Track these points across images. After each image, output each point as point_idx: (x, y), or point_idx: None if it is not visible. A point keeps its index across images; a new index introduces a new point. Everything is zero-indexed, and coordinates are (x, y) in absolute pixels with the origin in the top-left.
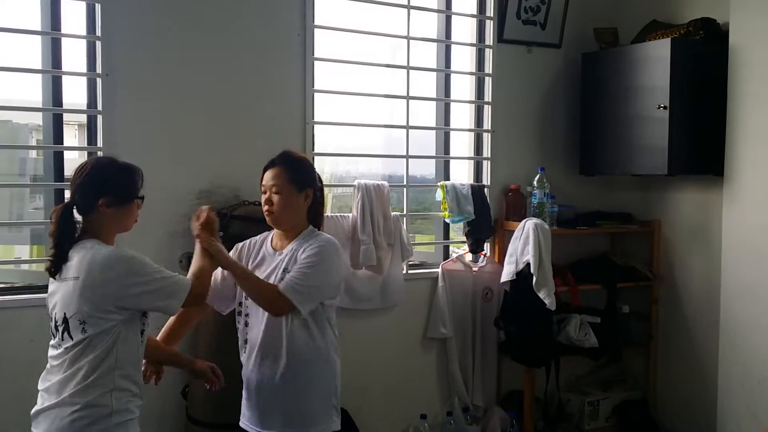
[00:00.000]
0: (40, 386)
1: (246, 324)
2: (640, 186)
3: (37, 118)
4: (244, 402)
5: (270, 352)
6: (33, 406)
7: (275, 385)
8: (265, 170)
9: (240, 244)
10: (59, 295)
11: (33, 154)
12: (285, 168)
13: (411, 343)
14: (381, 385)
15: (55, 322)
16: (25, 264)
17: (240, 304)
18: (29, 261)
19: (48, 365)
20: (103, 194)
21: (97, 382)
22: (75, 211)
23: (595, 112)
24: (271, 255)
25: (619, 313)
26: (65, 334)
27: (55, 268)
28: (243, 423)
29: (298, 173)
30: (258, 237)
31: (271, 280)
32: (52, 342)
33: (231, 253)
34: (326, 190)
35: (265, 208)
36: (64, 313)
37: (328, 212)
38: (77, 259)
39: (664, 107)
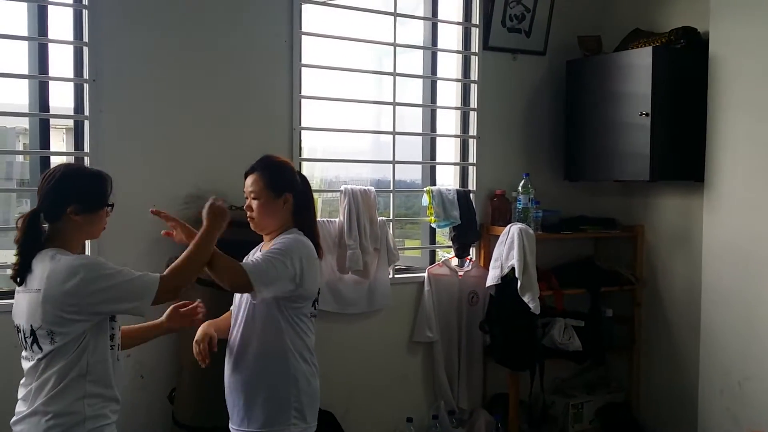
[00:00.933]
0: (18, 395)
1: (235, 318)
2: (623, 191)
3: (23, 122)
4: None
5: (234, 351)
6: (13, 414)
7: (233, 385)
8: (245, 176)
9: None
10: (24, 305)
11: (20, 158)
12: (262, 173)
13: (397, 346)
14: (367, 389)
15: (23, 333)
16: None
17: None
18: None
19: (24, 376)
20: (72, 202)
21: (68, 390)
22: (42, 217)
23: (578, 119)
24: (256, 254)
25: (602, 317)
26: (34, 345)
27: (21, 276)
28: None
29: (275, 178)
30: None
31: None
32: (23, 353)
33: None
34: (316, 195)
35: (248, 214)
36: (31, 325)
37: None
38: (39, 269)
39: (646, 114)
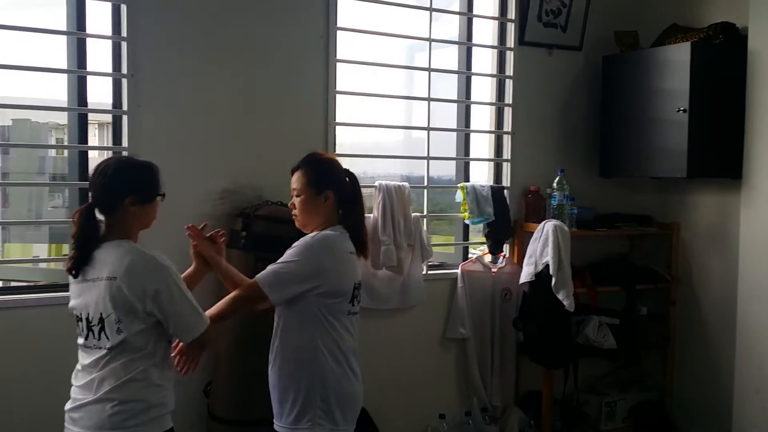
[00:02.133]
0: (74, 383)
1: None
2: (659, 188)
3: (56, 118)
4: None
5: (273, 346)
6: (59, 402)
7: (270, 380)
8: (291, 173)
9: None
10: (92, 295)
11: (52, 152)
12: (305, 170)
13: (430, 343)
14: (400, 385)
15: (88, 322)
16: (43, 262)
17: None
18: (50, 260)
19: (80, 364)
20: (129, 193)
21: (136, 379)
22: (97, 211)
23: (615, 115)
24: None
25: (637, 315)
26: (102, 334)
27: (77, 269)
28: None
29: (317, 175)
30: None
31: None
32: (83, 341)
33: None
34: None
35: (293, 211)
36: (100, 314)
37: None
38: (111, 259)
39: (684, 110)
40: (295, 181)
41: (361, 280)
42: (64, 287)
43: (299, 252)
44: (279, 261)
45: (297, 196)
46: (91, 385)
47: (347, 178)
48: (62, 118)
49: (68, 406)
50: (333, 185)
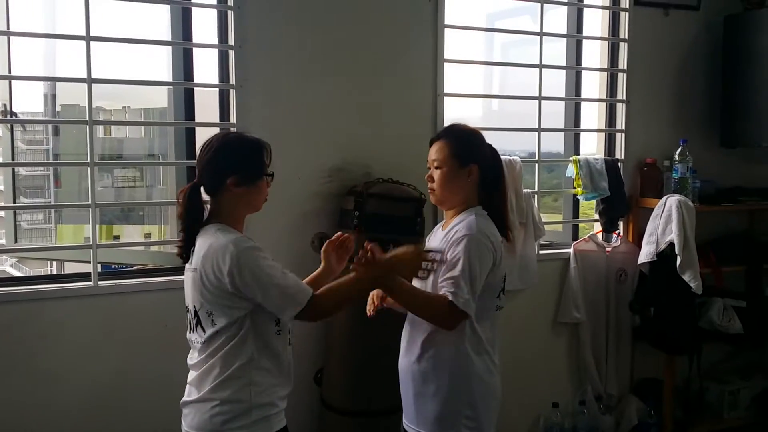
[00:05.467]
0: (188, 377)
1: None
2: None
3: (102, 103)
4: None
5: (409, 339)
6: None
7: (402, 371)
8: (430, 144)
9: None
10: (189, 286)
11: (100, 133)
12: (448, 140)
13: (541, 327)
14: (511, 372)
15: (190, 314)
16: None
17: None
18: (161, 242)
19: (190, 356)
20: (231, 173)
21: (233, 377)
22: (203, 191)
23: (738, 80)
24: (437, 233)
25: (763, 296)
26: (198, 327)
27: (186, 253)
28: None
29: (461, 146)
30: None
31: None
32: (188, 335)
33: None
34: None
35: (429, 185)
36: (194, 306)
37: None
38: (198, 247)
39: None
40: (436, 151)
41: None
42: (171, 271)
43: (474, 249)
44: (455, 270)
45: (438, 167)
46: (195, 382)
47: (490, 154)
48: (110, 102)
49: (182, 399)
50: (479, 159)
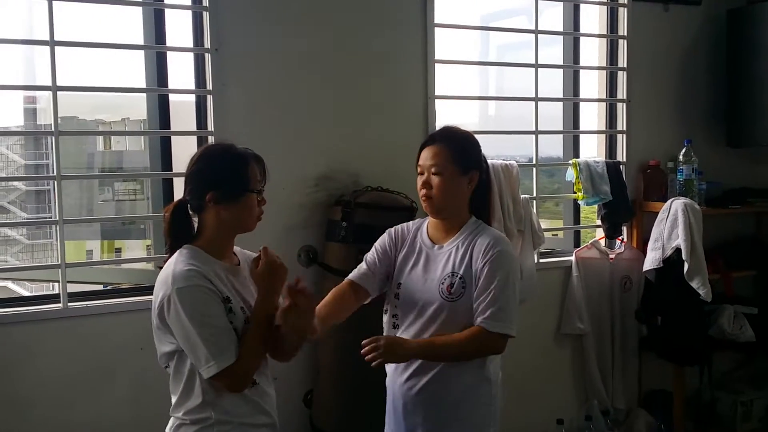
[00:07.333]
0: None
1: (394, 326)
2: None
3: (103, 115)
4: (387, 414)
5: (419, 366)
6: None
7: (418, 398)
8: (422, 148)
9: (393, 229)
10: None
11: (100, 147)
12: (447, 145)
13: (543, 339)
14: (512, 387)
15: None
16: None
17: (390, 299)
18: (134, 260)
19: None
20: (210, 188)
21: (196, 422)
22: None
23: (743, 76)
24: (429, 248)
25: None
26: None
27: None
28: None
29: (462, 151)
30: (411, 223)
31: (437, 284)
32: None
33: (383, 238)
34: None
35: (422, 192)
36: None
37: None
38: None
39: None
40: (432, 156)
41: None
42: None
43: (511, 269)
44: (496, 290)
45: (436, 174)
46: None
47: (484, 159)
48: (109, 114)
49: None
50: (478, 166)
